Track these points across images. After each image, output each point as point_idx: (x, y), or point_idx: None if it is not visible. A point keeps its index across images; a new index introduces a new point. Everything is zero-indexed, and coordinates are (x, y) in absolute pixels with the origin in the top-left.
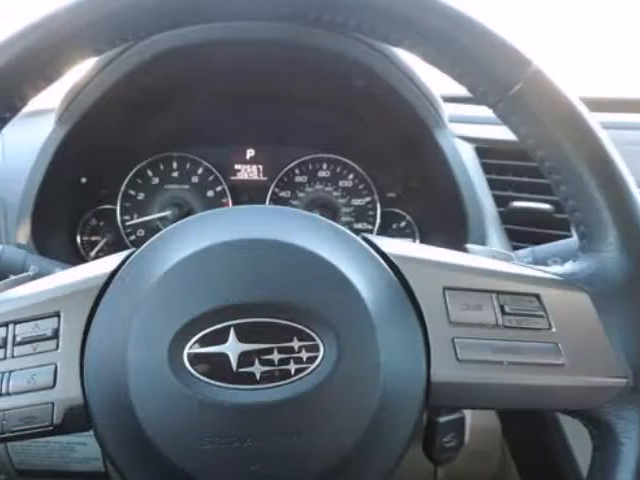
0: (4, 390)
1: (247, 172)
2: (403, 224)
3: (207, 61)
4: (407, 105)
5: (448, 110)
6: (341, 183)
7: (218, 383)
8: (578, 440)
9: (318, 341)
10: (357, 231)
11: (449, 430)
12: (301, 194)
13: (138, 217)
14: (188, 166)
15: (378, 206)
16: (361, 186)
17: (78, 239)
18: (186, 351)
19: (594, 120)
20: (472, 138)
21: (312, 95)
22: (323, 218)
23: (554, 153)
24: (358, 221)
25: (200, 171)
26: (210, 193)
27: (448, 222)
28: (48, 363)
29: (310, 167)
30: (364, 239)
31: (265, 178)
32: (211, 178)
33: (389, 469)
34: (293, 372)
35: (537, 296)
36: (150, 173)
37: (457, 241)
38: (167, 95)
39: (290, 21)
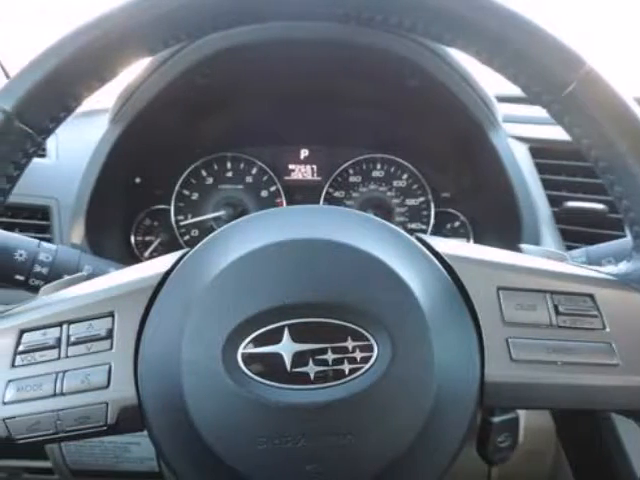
0: (58, 390)
1: (301, 172)
2: (457, 224)
3: (261, 61)
4: (461, 105)
5: (502, 110)
6: (395, 183)
7: (272, 383)
8: (632, 440)
9: (372, 341)
10: (411, 231)
11: (503, 430)
12: (355, 194)
13: (192, 217)
14: (242, 166)
15: (432, 206)
16: (415, 186)
17: (132, 239)
18: (240, 351)
19: None
20: (526, 138)
21: (366, 95)
22: (377, 218)
23: (608, 153)
24: (412, 221)
25: (254, 171)
26: (264, 193)
27: (502, 222)
28: (102, 363)
29: (364, 167)
30: (418, 239)
31: (319, 178)
32: (265, 178)
33: (443, 469)
34: (347, 372)
35: (591, 296)
36: (204, 173)
37: (511, 241)
38: (221, 95)
39: (344, 22)
